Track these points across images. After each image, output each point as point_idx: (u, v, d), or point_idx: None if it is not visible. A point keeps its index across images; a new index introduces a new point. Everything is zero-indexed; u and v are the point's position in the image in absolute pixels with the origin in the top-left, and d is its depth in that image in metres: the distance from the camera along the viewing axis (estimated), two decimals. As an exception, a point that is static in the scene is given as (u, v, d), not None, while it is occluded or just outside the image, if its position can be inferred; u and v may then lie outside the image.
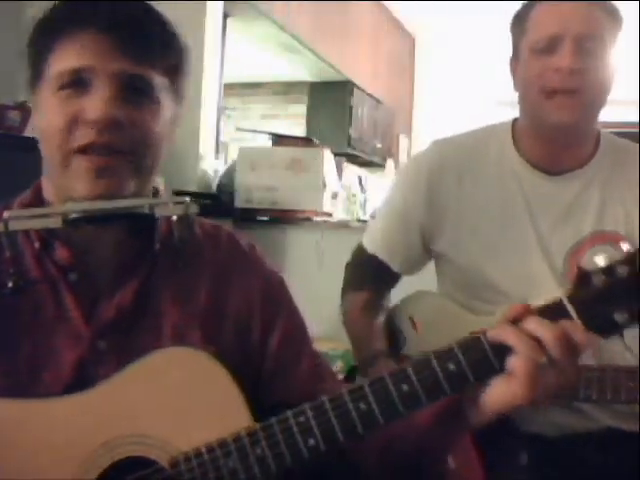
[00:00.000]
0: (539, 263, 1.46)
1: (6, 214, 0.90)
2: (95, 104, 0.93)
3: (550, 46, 1.37)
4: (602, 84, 1.40)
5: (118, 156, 0.95)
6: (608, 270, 0.89)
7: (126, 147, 0.95)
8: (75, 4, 0.99)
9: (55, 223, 0.91)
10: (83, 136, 0.94)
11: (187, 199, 0.93)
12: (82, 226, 0.95)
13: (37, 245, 1.00)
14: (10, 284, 0.97)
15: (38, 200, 1.04)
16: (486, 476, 0.92)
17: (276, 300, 1.11)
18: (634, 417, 1.43)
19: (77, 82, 0.95)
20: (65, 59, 0.95)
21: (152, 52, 0.97)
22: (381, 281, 1.67)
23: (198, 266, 1.07)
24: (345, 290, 1.70)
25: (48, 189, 1.04)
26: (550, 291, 1.42)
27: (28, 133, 2.56)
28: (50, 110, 0.96)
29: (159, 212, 0.94)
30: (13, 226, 0.91)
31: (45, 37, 0.98)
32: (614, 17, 1.40)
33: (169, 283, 1.04)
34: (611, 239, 1.45)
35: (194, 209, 0.93)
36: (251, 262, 1.12)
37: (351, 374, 2.47)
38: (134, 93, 0.96)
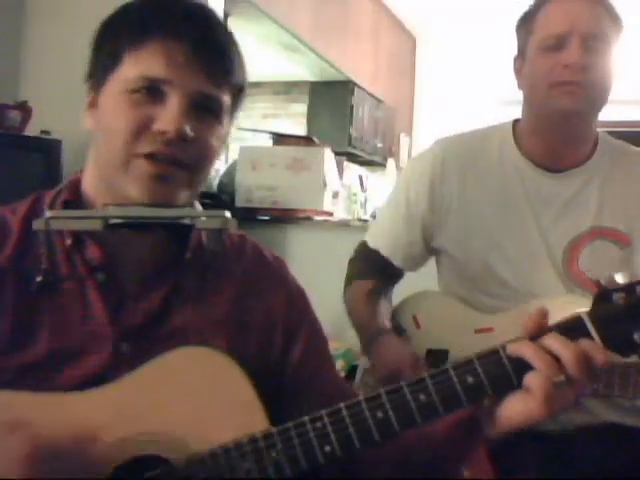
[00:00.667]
0: (541, 258, 1.49)
1: (48, 214, 0.91)
2: (169, 117, 0.94)
3: (558, 44, 1.42)
4: (604, 80, 1.44)
5: (179, 168, 0.96)
6: (628, 288, 0.88)
7: (187, 160, 0.96)
8: (159, 9, 0.98)
9: (95, 226, 0.91)
10: (150, 144, 0.94)
11: (227, 214, 0.94)
12: (121, 232, 0.95)
13: (69, 242, 1.00)
14: (39, 279, 0.97)
15: (76, 197, 1.04)
16: None
17: (298, 312, 1.11)
18: (636, 412, 1.44)
19: (151, 89, 0.95)
20: (144, 64, 0.95)
21: (228, 75, 0.99)
22: (384, 275, 1.69)
23: (223, 276, 1.07)
24: (348, 281, 1.72)
25: (91, 187, 1.03)
26: (551, 285, 1.46)
27: (28, 132, 2.57)
28: (118, 111, 0.96)
29: (199, 224, 0.95)
30: (53, 225, 0.91)
31: (124, 36, 0.97)
32: (616, 20, 1.46)
33: (195, 292, 1.04)
34: (610, 235, 1.48)
35: (232, 224, 0.94)
36: (275, 273, 1.12)
37: (352, 373, 2.47)
38: (204, 111, 0.97)
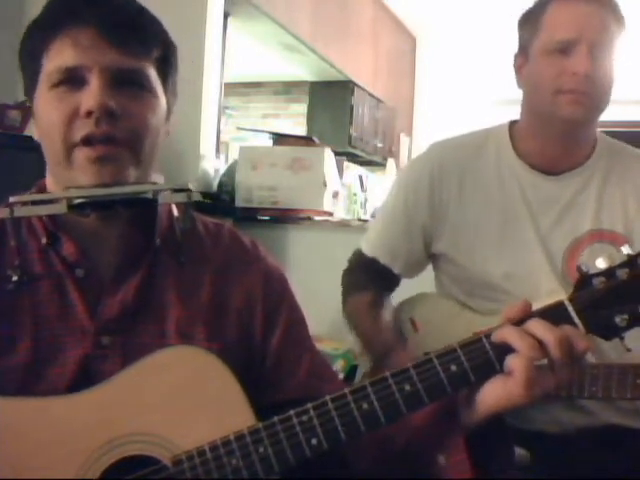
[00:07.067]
0: (539, 261, 1.48)
1: (11, 199, 0.91)
2: (91, 95, 0.95)
3: (564, 49, 1.40)
4: (609, 86, 1.44)
5: (117, 146, 0.97)
6: (608, 272, 0.90)
7: (123, 137, 0.97)
8: (65, 2, 1.00)
9: (60, 209, 0.92)
10: (82, 128, 0.95)
11: (190, 186, 0.95)
12: (87, 213, 0.96)
13: (44, 240, 1.00)
14: (15, 278, 0.97)
15: None
16: (476, 474, 0.93)
17: (277, 297, 1.11)
18: (636, 413, 1.44)
19: (71, 79, 0.97)
20: (58, 57, 0.97)
21: (142, 46, 0.99)
22: (382, 283, 1.68)
23: (200, 263, 1.07)
24: (346, 295, 1.70)
25: (52, 187, 1.04)
26: (551, 288, 1.45)
27: (28, 132, 2.56)
28: (48, 107, 0.98)
29: (162, 199, 0.95)
30: (18, 212, 0.91)
31: (38, 37, 1.00)
32: (621, 21, 1.44)
33: (172, 279, 1.04)
34: (609, 237, 1.47)
35: (197, 197, 0.94)
36: (253, 258, 1.12)
37: (352, 374, 2.47)
38: (128, 85, 0.98)
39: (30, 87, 1.02)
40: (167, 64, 1.05)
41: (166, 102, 1.05)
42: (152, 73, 1.01)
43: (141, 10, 1.03)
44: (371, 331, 1.60)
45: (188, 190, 0.95)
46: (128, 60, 0.98)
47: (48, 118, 0.97)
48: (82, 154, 0.96)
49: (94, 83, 0.95)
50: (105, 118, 0.95)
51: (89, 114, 0.94)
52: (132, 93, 0.98)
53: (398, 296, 1.70)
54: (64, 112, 0.96)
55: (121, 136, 0.96)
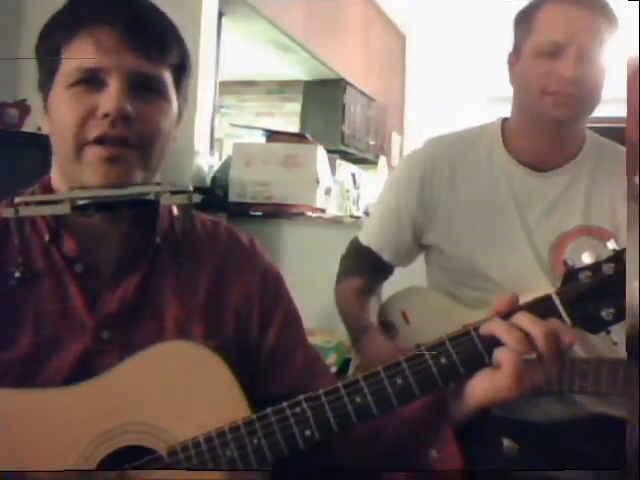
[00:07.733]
0: (527, 254, 1.51)
1: (16, 200, 0.92)
2: (109, 98, 0.95)
3: (554, 51, 1.41)
4: (598, 88, 1.45)
5: (128, 148, 0.97)
6: (594, 267, 0.91)
7: (136, 140, 0.98)
8: (86, 1, 1.01)
9: (64, 210, 0.93)
10: (96, 128, 0.96)
11: (190, 188, 0.96)
12: (90, 213, 0.97)
13: (46, 237, 1.01)
14: (17, 274, 0.98)
15: (47, 193, 1.05)
16: (466, 467, 0.94)
17: (274, 294, 1.12)
18: (622, 403, 1.44)
19: (90, 79, 0.97)
20: (78, 57, 0.97)
21: (162, 52, 1.00)
22: (375, 271, 1.72)
23: (198, 261, 1.09)
24: (339, 278, 1.74)
25: (57, 183, 1.05)
26: (537, 281, 1.48)
27: (26, 129, 2.57)
28: (63, 106, 0.98)
29: (164, 200, 0.96)
30: (23, 212, 0.92)
31: (58, 34, 1.00)
32: (612, 21, 1.44)
33: (171, 277, 1.05)
34: (597, 233, 1.49)
35: (197, 199, 0.96)
36: (250, 257, 1.13)
37: (344, 367, 2.49)
38: (145, 89, 0.99)
39: (46, 83, 1.01)
40: (182, 70, 1.05)
41: (178, 106, 1.05)
42: (168, 79, 1.01)
43: (162, 15, 1.03)
44: (353, 313, 1.64)
45: (189, 192, 0.97)
46: (148, 65, 0.98)
47: (63, 117, 0.97)
48: (93, 152, 0.96)
49: (114, 87, 0.96)
50: (120, 121, 0.95)
51: (106, 116, 0.95)
52: (148, 98, 0.99)
53: (391, 289, 1.73)
54: (79, 112, 0.96)
55: (133, 139, 0.97)
